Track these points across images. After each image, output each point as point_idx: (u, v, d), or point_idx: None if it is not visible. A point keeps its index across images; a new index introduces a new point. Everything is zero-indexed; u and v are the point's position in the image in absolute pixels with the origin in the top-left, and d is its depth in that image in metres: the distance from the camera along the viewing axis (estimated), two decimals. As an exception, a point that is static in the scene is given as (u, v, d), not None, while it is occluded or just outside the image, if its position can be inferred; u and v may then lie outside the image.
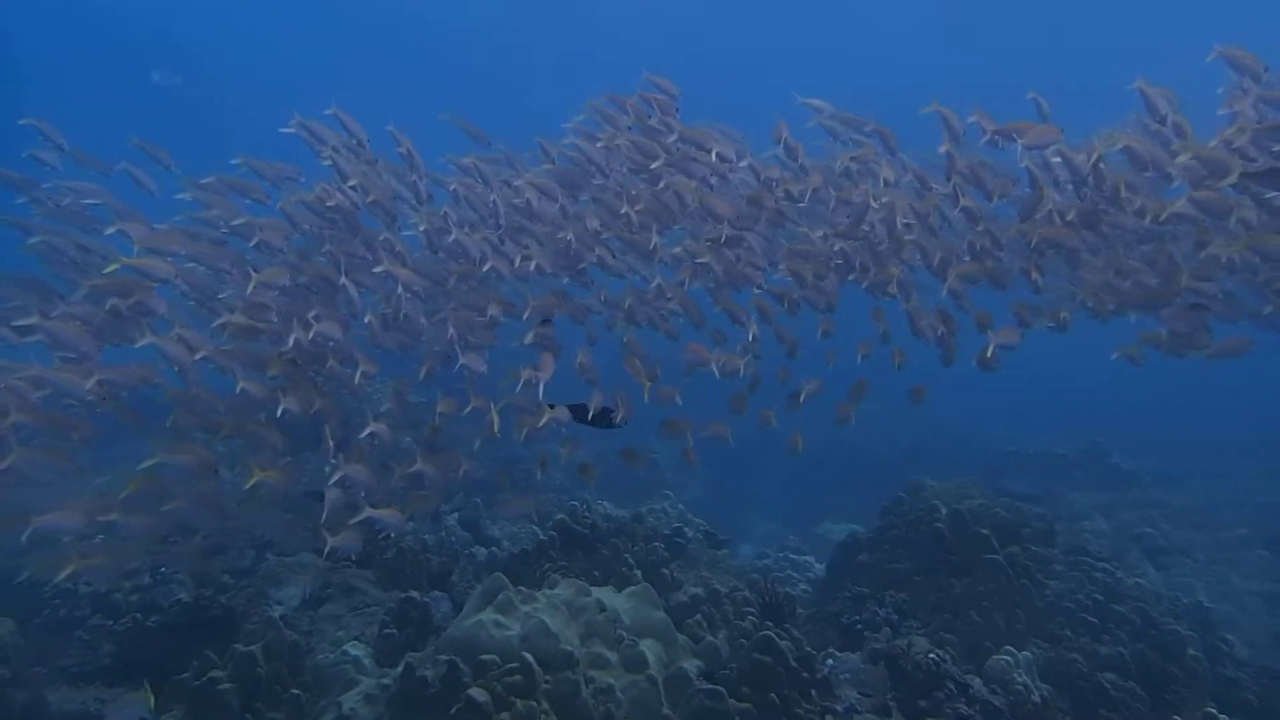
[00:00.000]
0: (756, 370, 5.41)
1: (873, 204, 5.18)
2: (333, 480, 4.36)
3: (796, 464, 14.76)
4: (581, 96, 5.58)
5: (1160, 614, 5.46)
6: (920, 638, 5.07)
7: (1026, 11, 30.69)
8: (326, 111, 5.05)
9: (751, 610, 5.11)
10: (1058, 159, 4.99)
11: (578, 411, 4.97)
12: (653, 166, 5.16)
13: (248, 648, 4.32)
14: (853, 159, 5.33)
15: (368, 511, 4.33)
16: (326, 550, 4.19)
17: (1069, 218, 5.03)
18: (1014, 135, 4.83)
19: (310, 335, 4.62)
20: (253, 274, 4.53)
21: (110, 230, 4.56)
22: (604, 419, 5.04)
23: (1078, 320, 5.40)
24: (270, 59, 35.02)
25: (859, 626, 5.45)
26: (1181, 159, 4.62)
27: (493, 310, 5.17)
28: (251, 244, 4.90)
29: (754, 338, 5.31)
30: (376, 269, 5.03)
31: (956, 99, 5.16)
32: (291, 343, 4.56)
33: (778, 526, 12.09)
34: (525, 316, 5.28)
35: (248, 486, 4.38)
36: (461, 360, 5.36)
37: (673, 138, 5.20)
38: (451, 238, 5.05)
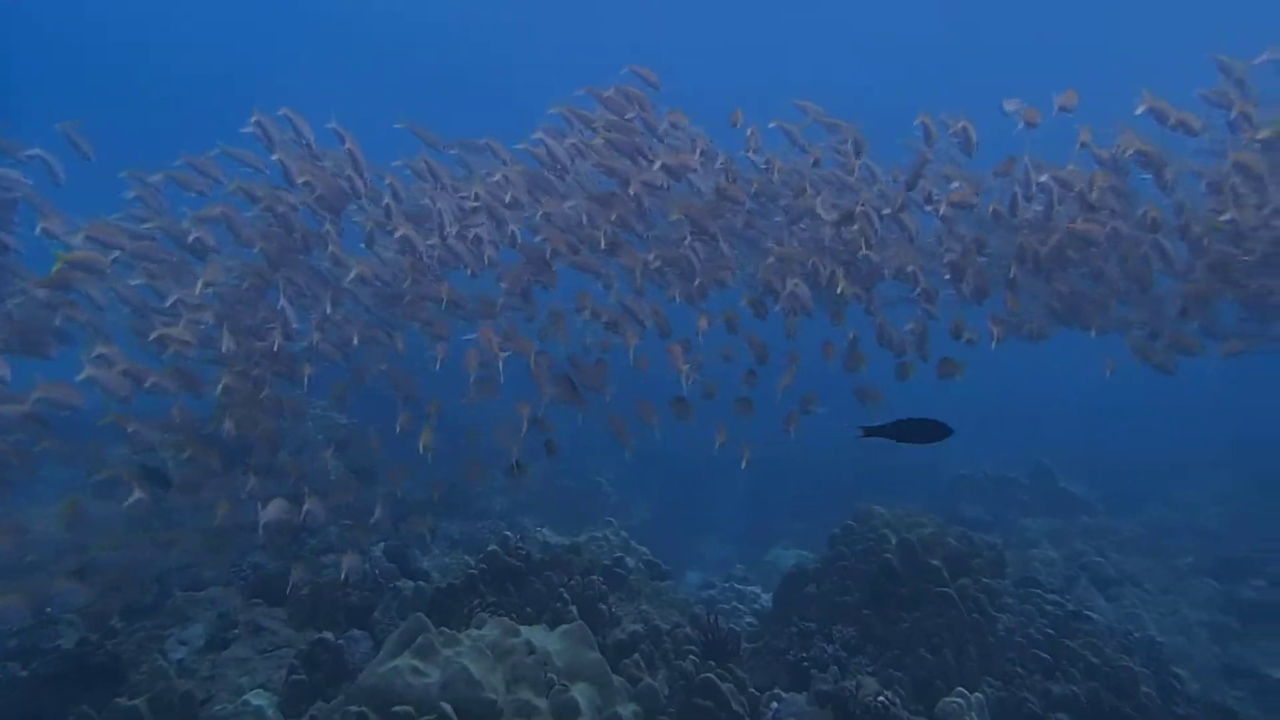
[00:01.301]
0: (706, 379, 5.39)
1: (863, 207, 5.16)
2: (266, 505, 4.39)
3: (749, 485, 14.59)
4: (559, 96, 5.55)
5: (1113, 650, 5.31)
6: (869, 678, 4.82)
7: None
8: (279, 112, 5.06)
9: (693, 649, 4.80)
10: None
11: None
12: (642, 178, 5.12)
13: (131, 701, 3.86)
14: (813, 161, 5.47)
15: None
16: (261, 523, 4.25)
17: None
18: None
19: (275, 345, 4.74)
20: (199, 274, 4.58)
21: (38, 229, 4.57)
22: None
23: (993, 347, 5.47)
24: (248, 66, 34.36)
25: (806, 664, 5.19)
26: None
27: (446, 295, 5.16)
28: (189, 240, 4.86)
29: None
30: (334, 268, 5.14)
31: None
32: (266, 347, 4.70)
33: (728, 550, 11.84)
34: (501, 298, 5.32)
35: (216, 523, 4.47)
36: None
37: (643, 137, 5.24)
38: (399, 233, 5.01)
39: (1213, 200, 5.23)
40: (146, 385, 4.47)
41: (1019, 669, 5.22)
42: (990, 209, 5.44)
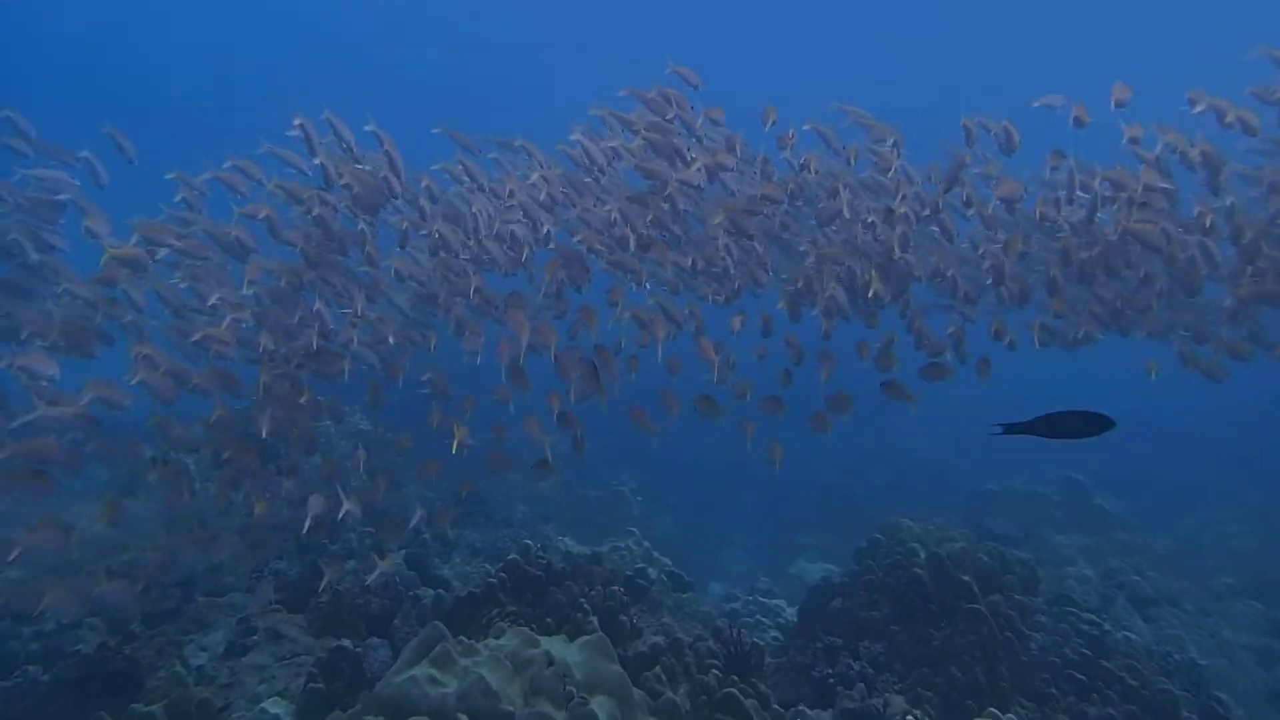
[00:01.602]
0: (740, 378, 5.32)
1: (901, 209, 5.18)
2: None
3: (769, 498, 14.44)
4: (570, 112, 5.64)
5: (1152, 672, 5.11)
6: (897, 696, 4.69)
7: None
8: (322, 115, 5.15)
9: (716, 662, 4.70)
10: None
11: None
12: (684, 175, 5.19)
13: (148, 708, 3.84)
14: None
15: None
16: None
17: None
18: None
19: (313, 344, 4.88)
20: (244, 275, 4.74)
21: (83, 229, 4.80)
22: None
23: (1038, 349, 5.43)
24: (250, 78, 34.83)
25: (831, 681, 5.06)
26: None
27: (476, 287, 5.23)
28: (230, 239, 5.00)
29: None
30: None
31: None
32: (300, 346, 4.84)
33: (750, 563, 11.69)
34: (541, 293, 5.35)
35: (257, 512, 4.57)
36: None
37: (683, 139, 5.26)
38: (433, 231, 5.19)
39: (1273, 201, 5.09)
40: (190, 386, 4.59)
41: (1053, 690, 5.05)
42: (1036, 209, 5.29)
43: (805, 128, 5.48)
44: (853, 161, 5.47)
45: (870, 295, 5.18)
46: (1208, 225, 5.04)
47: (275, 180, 5.16)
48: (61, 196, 4.94)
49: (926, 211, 5.37)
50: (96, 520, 4.41)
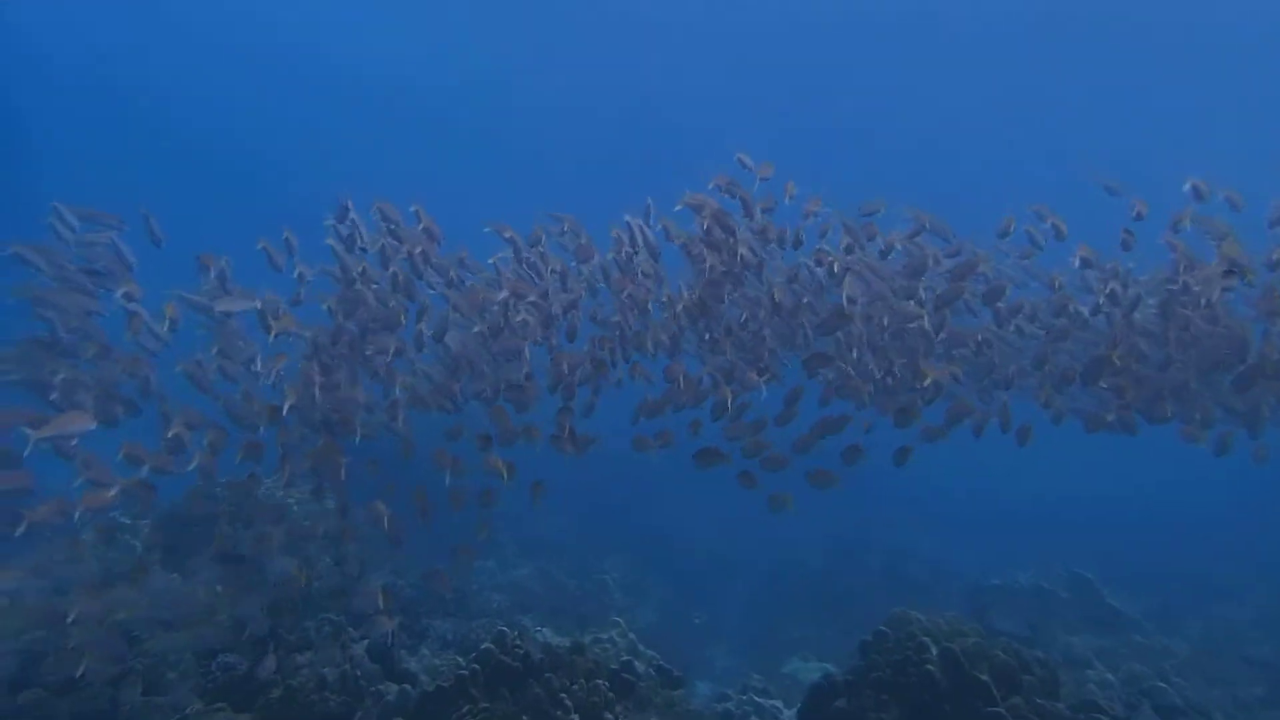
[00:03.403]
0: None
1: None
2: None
3: (759, 586, 13.80)
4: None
5: (1194, 787, 4.60)
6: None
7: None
8: (411, 209, 5.74)
9: (712, 772, 4.17)
10: None
11: None
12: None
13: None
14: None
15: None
16: None
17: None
18: None
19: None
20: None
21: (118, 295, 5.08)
22: None
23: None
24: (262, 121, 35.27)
25: (840, 794, 4.51)
26: None
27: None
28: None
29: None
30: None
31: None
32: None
33: (738, 661, 10.99)
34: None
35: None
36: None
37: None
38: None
39: None
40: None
41: (1087, 808, 4.53)
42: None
43: (832, 218, 5.71)
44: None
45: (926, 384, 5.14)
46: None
47: (322, 266, 5.78)
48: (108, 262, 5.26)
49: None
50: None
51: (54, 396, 4.71)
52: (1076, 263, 5.49)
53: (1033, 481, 22.58)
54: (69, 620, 4.40)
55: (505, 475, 4.94)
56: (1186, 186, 5.32)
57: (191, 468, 5.05)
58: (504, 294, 5.53)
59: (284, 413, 5.05)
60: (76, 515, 4.28)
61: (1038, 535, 14.92)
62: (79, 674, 4.34)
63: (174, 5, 30.19)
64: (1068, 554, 10.91)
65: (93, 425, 4.36)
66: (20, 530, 4.05)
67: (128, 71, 32.55)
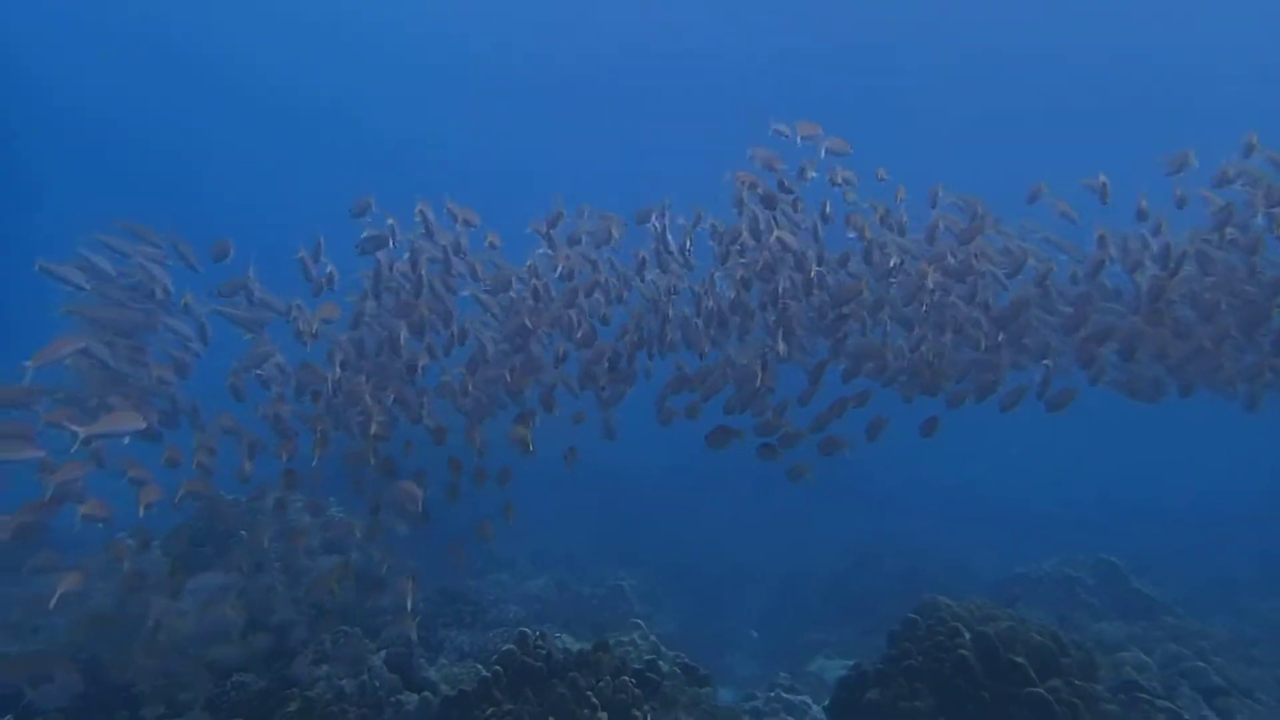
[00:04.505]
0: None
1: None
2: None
3: (775, 594, 13.60)
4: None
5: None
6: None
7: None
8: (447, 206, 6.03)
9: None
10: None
11: None
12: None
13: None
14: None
15: None
16: None
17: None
18: None
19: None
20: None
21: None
22: None
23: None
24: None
25: (879, 784, 4.37)
26: None
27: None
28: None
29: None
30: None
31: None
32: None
33: (758, 667, 10.79)
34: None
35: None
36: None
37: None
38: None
39: None
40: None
41: (1135, 787, 4.38)
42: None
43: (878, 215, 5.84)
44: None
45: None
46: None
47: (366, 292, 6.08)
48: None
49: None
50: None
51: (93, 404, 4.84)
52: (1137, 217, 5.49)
53: (1050, 485, 22.44)
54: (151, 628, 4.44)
55: (529, 446, 5.19)
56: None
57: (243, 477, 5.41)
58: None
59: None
60: (141, 512, 4.48)
61: (1056, 536, 14.71)
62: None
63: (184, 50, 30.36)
64: (1087, 550, 10.72)
65: (143, 425, 4.43)
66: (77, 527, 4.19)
67: (129, 110, 32.75)
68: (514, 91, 34.12)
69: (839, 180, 5.63)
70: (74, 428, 4.10)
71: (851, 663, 8.17)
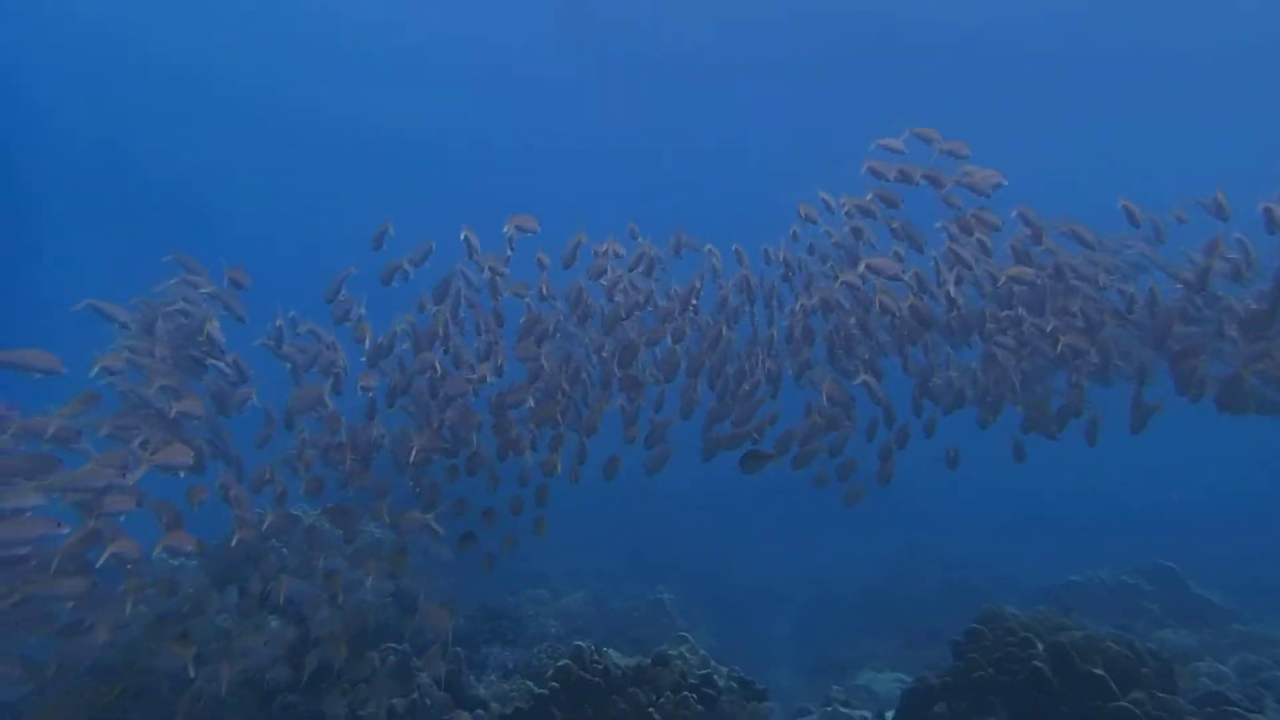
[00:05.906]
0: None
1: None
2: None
3: (810, 613, 13.34)
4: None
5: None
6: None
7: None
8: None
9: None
10: None
11: None
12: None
13: None
14: None
15: None
16: None
17: None
18: None
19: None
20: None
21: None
22: None
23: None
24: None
25: (960, 803, 4.16)
26: None
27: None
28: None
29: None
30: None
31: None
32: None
33: (799, 680, 10.55)
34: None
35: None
36: None
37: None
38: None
39: None
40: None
41: (1231, 805, 4.14)
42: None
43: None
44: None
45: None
46: None
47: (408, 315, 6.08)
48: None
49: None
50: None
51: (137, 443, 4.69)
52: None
53: (1081, 494, 22.07)
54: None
55: (558, 467, 5.33)
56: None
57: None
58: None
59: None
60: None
61: (1090, 544, 14.35)
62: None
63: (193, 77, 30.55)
64: (1133, 558, 10.41)
65: (191, 461, 4.44)
66: (102, 560, 4.00)
67: (134, 138, 32.92)
68: (521, 95, 33.96)
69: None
70: (139, 452, 4.07)
71: (901, 675, 7.97)
